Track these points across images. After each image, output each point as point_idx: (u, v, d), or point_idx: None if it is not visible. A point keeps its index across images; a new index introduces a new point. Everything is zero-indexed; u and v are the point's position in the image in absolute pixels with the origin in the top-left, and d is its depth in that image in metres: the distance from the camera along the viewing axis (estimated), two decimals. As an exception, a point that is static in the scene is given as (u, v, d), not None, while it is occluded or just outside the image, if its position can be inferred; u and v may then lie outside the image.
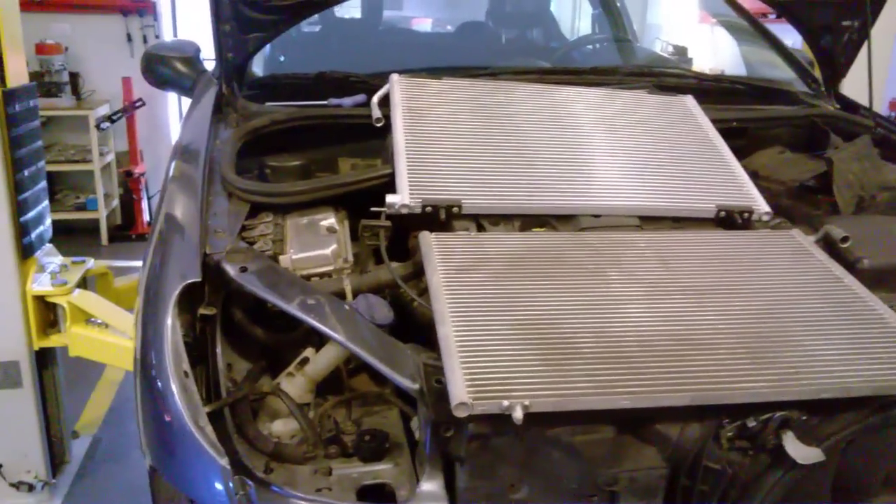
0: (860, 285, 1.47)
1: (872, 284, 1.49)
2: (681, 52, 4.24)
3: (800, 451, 1.19)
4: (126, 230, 5.85)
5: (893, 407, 1.25)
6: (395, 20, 3.97)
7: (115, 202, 5.89)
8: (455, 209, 1.56)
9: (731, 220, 1.68)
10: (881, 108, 4.97)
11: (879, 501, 1.33)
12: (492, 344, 1.20)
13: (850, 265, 1.55)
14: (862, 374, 1.24)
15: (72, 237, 5.14)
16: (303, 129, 1.93)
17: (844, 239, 1.57)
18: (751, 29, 2.71)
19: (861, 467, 1.31)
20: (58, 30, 5.58)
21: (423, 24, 4.32)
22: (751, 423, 1.19)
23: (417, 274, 1.49)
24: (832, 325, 1.35)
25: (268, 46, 2.51)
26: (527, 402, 1.08)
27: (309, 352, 1.38)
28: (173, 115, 6.19)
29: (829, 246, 1.60)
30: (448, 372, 1.14)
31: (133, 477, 2.86)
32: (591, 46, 3.31)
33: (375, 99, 1.90)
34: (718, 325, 1.31)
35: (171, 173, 1.77)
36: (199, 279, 1.36)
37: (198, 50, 2.46)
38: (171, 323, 1.28)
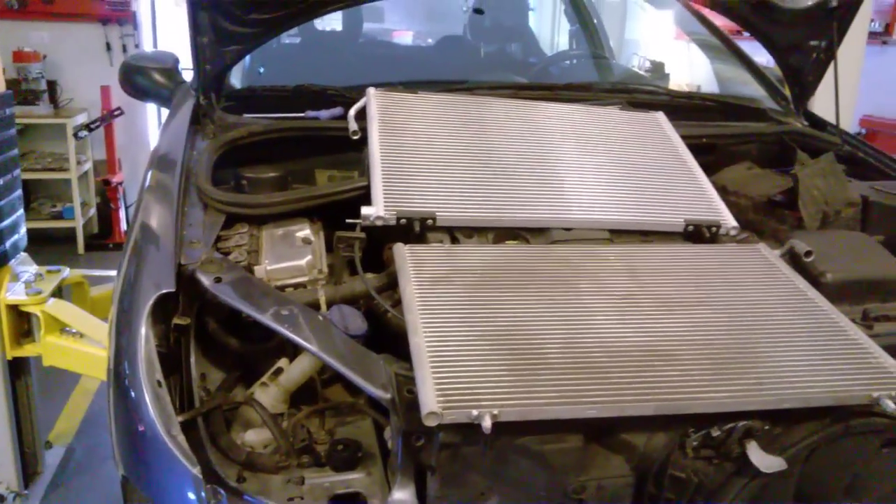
0: (823, 299, 1.50)
1: (835, 298, 1.53)
2: (657, 68, 4.32)
3: (763, 460, 1.21)
4: (103, 239, 5.81)
5: (854, 417, 1.28)
6: (376, 33, 4.00)
7: (93, 211, 5.85)
8: (429, 221, 1.58)
9: (698, 234, 1.72)
10: (851, 124, 5.07)
11: (841, 510, 1.36)
12: (463, 354, 1.22)
13: (814, 279, 1.59)
14: (823, 384, 1.27)
15: (48, 246, 5.09)
16: (280, 141, 1.94)
17: (808, 253, 1.61)
18: (723, 47, 2.77)
19: (823, 476, 1.34)
20: (36, 37, 5.55)
21: (405, 37, 4.35)
22: (715, 433, 1.22)
23: (392, 285, 1.51)
24: (795, 337, 1.38)
25: (248, 58, 2.53)
26: (495, 412, 1.10)
27: (283, 362, 1.39)
28: (152, 124, 6.17)
29: (794, 260, 1.64)
30: (419, 382, 1.15)
31: (107, 487, 2.84)
32: (568, 62, 3.36)
33: (352, 112, 1.92)
34: (685, 336, 1.34)
35: (147, 183, 1.78)
36: (174, 289, 1.37)
37: (176, 61, 2.48)
38: (144, 333, 1.29)
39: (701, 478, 1.25)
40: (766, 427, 1.24)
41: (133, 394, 1.24)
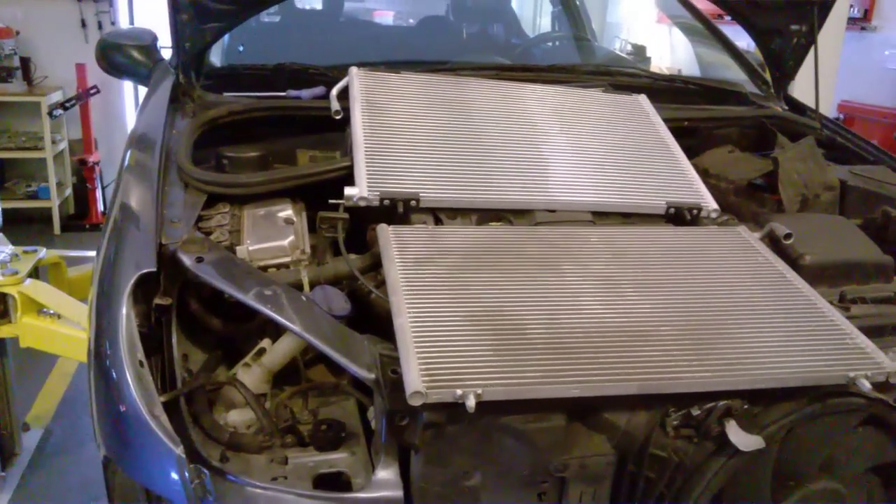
0: (801, 280, 1.53)
1: (813, 280, 1.56)
2: (639, 51, 4.33)
3: (742, 439, 1.23)
4: (79, 220, 5.73)
5: (831, 396, 1.30)
6: (357, 12, 3.96)
7: (69, 191, 5.77)
8: (413, 202, 1.57)
9: (680, 216, 1.73)
10: (830, 110, 5.12)
11: (817, 486, 1.39)
12: (447, 335, 1.23)
13: (793, 261, 1.62)
14: (801, 365, 1.29)
15: (23, 226, 5.03)
16: (261, 121, 1.92)
17: (788, 236, 1.63)
18: (705, 30, 2.78)
19: (801, 454, 1.36)
20: (8, 13, 5.43)
21: (386, 17, 4.31)
22: (695, 412, 1.24)
23: (375, 266, 1.51)
24: (774, 318, 1.40)
25: (227, 36, 2.49)
26: (479, 391, 1.11)
27: (266, 342, 1.39)
28: (129, 103, 6.08)
29: (774, 242, 1.66)
30: (403, 362, 1.16)
31: (85, 469, 2.82)
32: (550, 44, 3.35)
33: (334, 91, 1.90)
34: (666, 317, 1.35)
35: (126, 162, 1.76)
36: (155, 269, 1.36)
37: (154, 38, 2.43)
38: (125, 312, 1.28)
39: (681, 456, 1.27)
40: (745, 406, 1.27)
41: (114, 374, 1.23)
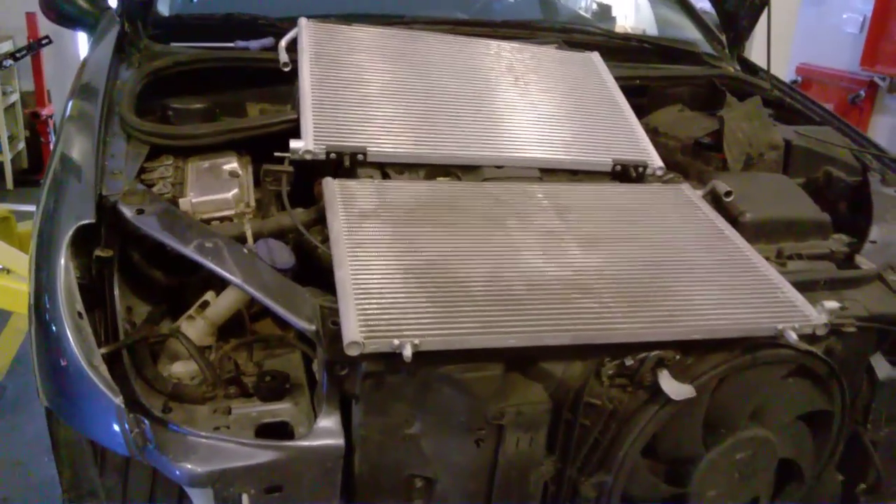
0: (739, 237, 1.56)
1: (752, 236, 1.60)
2: (603, 10, 4.31)
3: (674, 388, 1.28)
4: (33, 174, 5.58)
5: (760, 348, 1.35)
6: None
7: (21, 145, 5.62)
8: (360, 156, 1.57)
9: (626, 173, 1.75)
10: (787, 72, 5.17)
11: (747, 434, 1.44)
12: (387, 287, 1.24)
13: (733, 218, 1.65)
14: (733, 317, 1.33)
15: (-27, 181, 4.90)
16: (208, 72, 1.89)
17: (728, 193, 1.67)
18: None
19: (731, 403, 1.41)
20: (-48, -42, 5.21)
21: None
22: (629, 362, 1.28)
23: (321, 220, 1.51)
24: (709, 272, 1.44)
25: (178, -15, 2.43)
26: (417, 341, 1.13)
27: (209, 295, 1.39)
28: (83, 54, 5.89)
29: (716, 200, 1.69)
30: (342, 313, 1.17)
31: (40, 424, 2.78)
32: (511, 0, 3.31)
33: (283, 43, 1.87)
34: (605, 270, 1.38)
35: (67, 113, 1.72)
36: (94, 221, 1.34)
37: (102, -15, 2.36)
38: (63, 264, 1.27)
39: (615, 405, 1.31)
40: (678, 357, 1.31)
41: (54, 327, 1.22)
